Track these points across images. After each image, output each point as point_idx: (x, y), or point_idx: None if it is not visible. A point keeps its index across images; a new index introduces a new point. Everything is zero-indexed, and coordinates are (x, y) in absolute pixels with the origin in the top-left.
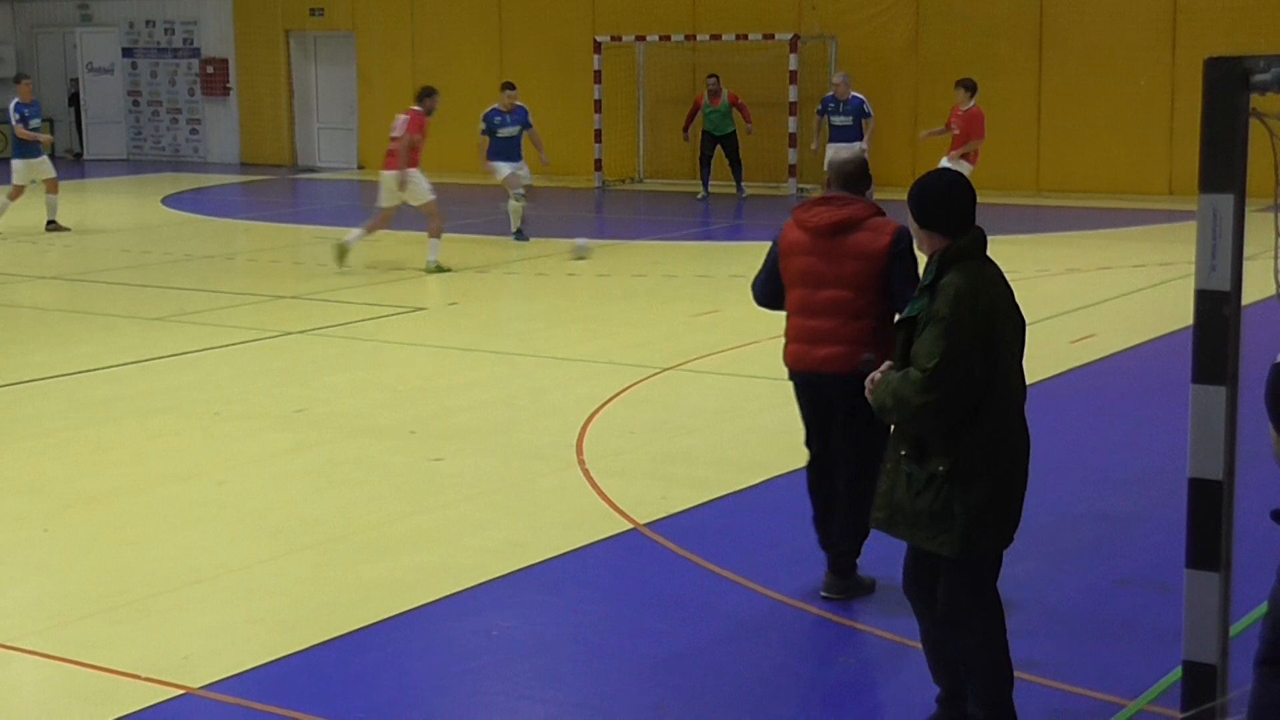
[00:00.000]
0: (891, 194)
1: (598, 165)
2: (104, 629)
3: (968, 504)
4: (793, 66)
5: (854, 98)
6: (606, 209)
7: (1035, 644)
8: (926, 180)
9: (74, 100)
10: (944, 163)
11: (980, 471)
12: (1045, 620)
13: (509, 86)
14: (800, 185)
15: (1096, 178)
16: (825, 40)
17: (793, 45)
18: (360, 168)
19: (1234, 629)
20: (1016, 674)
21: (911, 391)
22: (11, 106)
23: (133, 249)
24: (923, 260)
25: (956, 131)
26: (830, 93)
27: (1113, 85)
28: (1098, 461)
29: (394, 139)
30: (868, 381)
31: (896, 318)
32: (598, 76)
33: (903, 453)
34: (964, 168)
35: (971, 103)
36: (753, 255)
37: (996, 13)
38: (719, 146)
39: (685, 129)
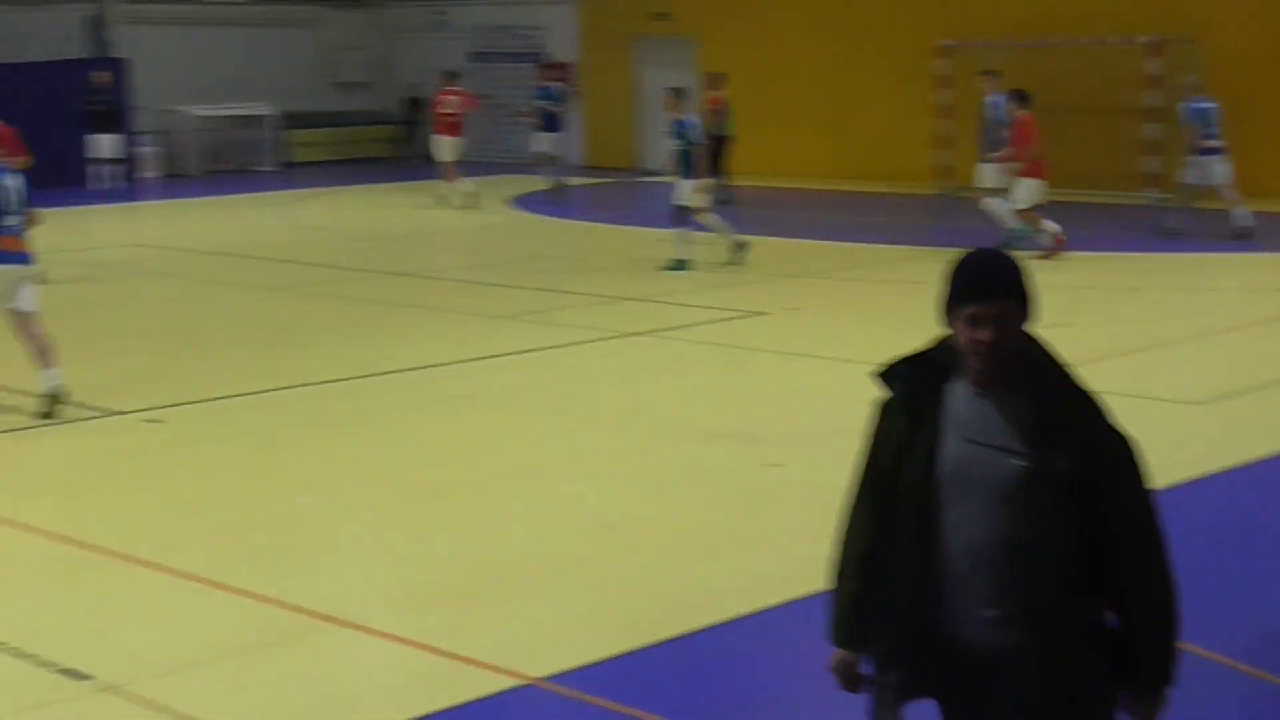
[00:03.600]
0: (1267, 205)
1: (943, 172)
2: (448, 616)
3: None
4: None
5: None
6: (939, 217)
7: None
8: (1003, 255)
9: (414, 104)
10: None
11: None
12: None
13: (990, 74)
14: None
15: None
16: (1187, 43)
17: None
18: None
19: None
20: None
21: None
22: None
23: (480, 248)
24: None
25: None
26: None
27: None
28: None
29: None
30: None
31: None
32: (943, 81)
33: None
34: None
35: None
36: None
37: None
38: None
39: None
